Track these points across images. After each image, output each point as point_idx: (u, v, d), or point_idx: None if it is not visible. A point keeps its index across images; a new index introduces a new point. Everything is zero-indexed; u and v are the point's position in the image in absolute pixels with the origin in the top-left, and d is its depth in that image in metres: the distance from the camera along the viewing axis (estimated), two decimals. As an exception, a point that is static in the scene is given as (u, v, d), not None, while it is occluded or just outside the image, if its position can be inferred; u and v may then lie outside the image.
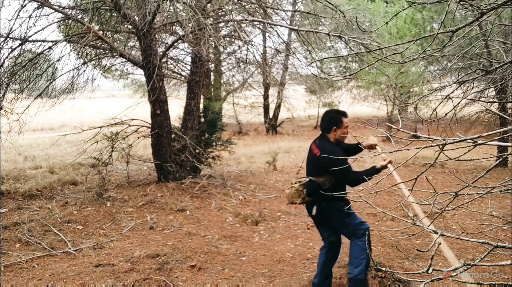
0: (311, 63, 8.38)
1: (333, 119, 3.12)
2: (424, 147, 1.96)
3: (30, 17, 5.51)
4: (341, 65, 16.41)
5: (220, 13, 6.60)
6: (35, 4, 5.55)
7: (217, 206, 5.94)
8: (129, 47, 7.79)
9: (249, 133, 16.89)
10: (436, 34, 2.21)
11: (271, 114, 17.76)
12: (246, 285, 3.50)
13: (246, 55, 8.42)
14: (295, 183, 3.16)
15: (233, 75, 14.54)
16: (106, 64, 8.67)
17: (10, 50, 5.72)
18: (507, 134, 2.05)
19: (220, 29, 8.25)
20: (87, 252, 4.19)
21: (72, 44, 6.33)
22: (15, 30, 5.50)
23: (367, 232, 3.10)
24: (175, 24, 6.64)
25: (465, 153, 2.01)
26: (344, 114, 3.13)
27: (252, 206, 6.05)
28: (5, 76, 6.06)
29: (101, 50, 6.85)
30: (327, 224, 3.28)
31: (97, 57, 7.13)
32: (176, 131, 7.17)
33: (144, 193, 6.25)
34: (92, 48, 6.73)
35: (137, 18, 5.83)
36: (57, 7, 5.76)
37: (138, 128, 6.98)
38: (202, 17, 4.91)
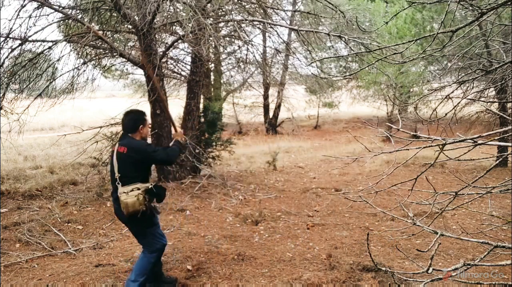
0: (311, 63, 8.38)
1: (139, 119, 3.21)
2: (424, 147, 1.97)
3: (30, 17, 5.50)
4: (341, 65, 16.41)
5: (220, 13, 6.60)
6: (35, 4, 5.55)
7: (217, 206, 5.94)
8: (129, 47, 7.79)
9: (249, 133, 16.89)
10: (436, 34, 2.22)
11: (271, 114, 17.76)
12: (246, 285, 3.50)
13: (246, 55, 8.42)
14: (133, 190, 2.96)
15: (233, 76, 14.55)
16: (106, 64, 8.67)
17: (10, 50, 5.72)
18: (507, 134, 2.05)
19: (220, 29, 8.25)
20: (87, 252, 4.19)
21: (72, 44, 6.33)
22: (15, 30, 5.50)
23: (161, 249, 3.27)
24: (175, 24, 6.64)
25: (465, 153, 2.01)
26: (145, 113, 3.29)
27: (252, 206, 6.05)
28: (5, 76, 6.05)
29: (101, 50, 6.85)
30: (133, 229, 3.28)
31: (97, 57, 7.13)
32: (176, 131, 7.17)
33: (144, 193, 6.24)
34: (92, 48, 6.73)
35: (137, 18, 5.83)
36: (57, 7, 5.75)
37: (138, 128, 6.97)
38: (202, 17, 4.91)
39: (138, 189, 2.96)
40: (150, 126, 3.34)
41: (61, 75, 6.51)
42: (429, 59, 9.43)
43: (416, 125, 12.47)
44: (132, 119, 3.18)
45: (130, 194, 2.93)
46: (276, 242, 4.58)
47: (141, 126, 3.18)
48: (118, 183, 2.97)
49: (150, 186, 3.04)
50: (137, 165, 3.04)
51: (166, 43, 7.79)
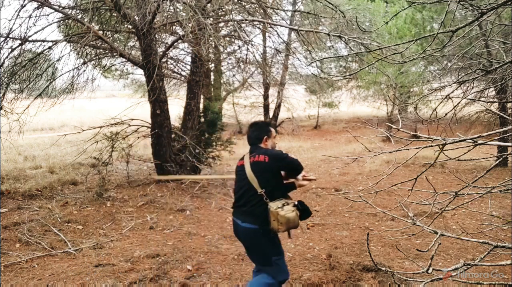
0: (311, 63, 8.39)
1: (263, 128, 2.97)
2: (424, 147, 1.97)
3: (30, 17, 5.51)
4: (341, 65, 16.42)
5: (220, 13, 6.60)
6: (35, 4, 5.55)
7: (217, 206, 5.94)
8: (129, 47, 7.79)
9: (249, 133, 16.86)
10: (436, 34, 2.22)
11: (271, 114, 17.77)
12: (246, 285, 3.50)
13: (246, 55, 8.43)
14: (284, 205, 2.63)
15: (233, 75, 14.56)
16: (106, 64, 8.67)
17: (10, 50, 5.72)
18: (507, 134, 2.05)
19: (220, 29, 8.25)
20: (87, 252, 4.19)
21: (72, 44, 6.33)
22: (15, 30, 5.51)
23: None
24: (175, 24, 6.64)
25: (465, 153, 2.01)
26: (271, 124, 3.09)
27: (252, 206, 6.04)
28: (5, 76, 6.06)
29: (101, 50, 6.85)
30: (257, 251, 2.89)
31: (97, 57, 7.13)
32: (176, 131, 7.17)
33: (144, 193, 6.25)
34: (92, 48, 6.74)
35: (137, 18, 5.83)
36: (57, 7, 5.76)
37: (138, 128, 6.98)
38: (202, 17, 4.91)
39: (288, 204, 2.65)
40: (275, 139, 2.98)
41: (61, 75, 6.52)
42: (429, 59, 9.43)
43: (416, 125, 12.46)
44: (257, 130, 2.95)
45: (286, 209, 2.59)
46: (276, 242, 4.58)
47: (266, 137, 2.91)
48: (267, 199, 2.65)
49: (295, 202, 2.73)
50: (278, 176, 2.78)
51: (166, 43, 7.80)
